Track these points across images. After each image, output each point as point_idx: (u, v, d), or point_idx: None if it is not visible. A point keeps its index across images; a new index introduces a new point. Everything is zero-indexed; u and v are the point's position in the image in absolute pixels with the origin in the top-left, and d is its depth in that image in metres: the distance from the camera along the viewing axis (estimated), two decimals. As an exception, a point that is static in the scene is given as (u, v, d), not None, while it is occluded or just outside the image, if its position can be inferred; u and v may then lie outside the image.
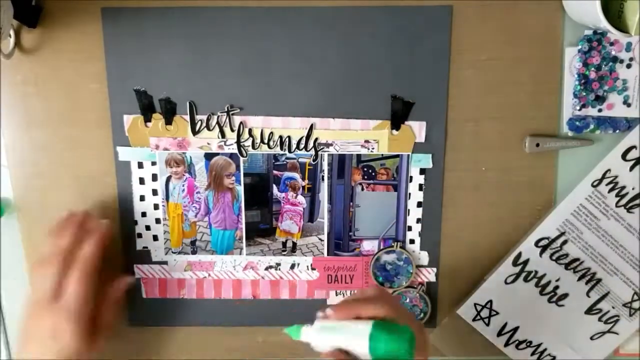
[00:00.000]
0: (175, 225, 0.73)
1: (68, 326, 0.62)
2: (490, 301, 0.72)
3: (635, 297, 0.71)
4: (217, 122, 0.69)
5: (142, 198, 0.72)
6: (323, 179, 0.71)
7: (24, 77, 0.69)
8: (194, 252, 0.74)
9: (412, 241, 0.72)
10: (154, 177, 0.71)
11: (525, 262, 0.71)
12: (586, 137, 0.69)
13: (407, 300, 0.73)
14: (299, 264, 0.73)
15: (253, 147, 0.70)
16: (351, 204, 0.71)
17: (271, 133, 0.69)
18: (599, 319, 0.72)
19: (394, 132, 0.69)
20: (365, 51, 0.67)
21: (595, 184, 0.69)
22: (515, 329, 0.73)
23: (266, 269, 0.74)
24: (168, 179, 0.71)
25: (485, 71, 0.68)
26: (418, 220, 0.71)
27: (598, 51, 0.66)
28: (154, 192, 0.72)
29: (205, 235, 0.73)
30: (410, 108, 0.68)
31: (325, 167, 0.70)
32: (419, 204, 0.71)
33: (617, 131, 0.68)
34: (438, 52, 0.67)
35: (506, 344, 0.73)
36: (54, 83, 0.69)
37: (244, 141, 0.70)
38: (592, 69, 0.66)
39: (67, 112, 0.70)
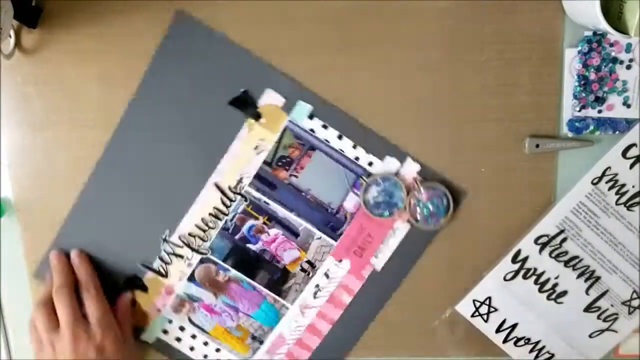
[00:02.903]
0: (230, 340, 0.76)
1: (110, 340, 0.67)
2: (489, 298, 0.73)
3: (635, 296, 0.72)
4: (168, 257, 0.74)
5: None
6: (267, 203, 0.71)
7: (24, 77, 0.69)
8: (261, 342, 0.76)
9: (371, 164, 0.71)
10: (178, 339, 0.77)
11: (525, 260, 0.71)
12: (586, 138, 0.69)
13: (424, 199, 0.70)
14: (328, 269, 0.74)
15: (204, 240, 0.73)
16: (303, 193, 0.71)
17: (203, 222, 0.73)
18: (598, 317, 0.73)
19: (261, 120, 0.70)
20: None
21: (595, 181, 0.69)
22: (514, 326, 0.73)
23: (315, 297, 0.74)
24: (190, 320, 0.76)
25: (484, 72, 0.68)
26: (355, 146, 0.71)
27: (598, 52, 0.66)
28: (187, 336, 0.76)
29: (255, 323, 0.75)
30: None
31: (257, 195, 0.71)
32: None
33: (617, 132, 0.69)
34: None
35: (505, 341, 0.74)
36: (54, 83, 0.69)
37: (195, 246, 0.73)
38: (592, 70, 0.67)
39: (67, 112, 0.70)
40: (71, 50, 0.68)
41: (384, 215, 0.71)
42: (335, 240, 0.73)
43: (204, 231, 0.72)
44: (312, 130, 0.70)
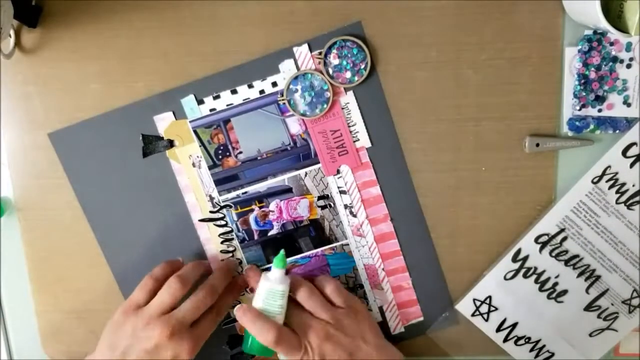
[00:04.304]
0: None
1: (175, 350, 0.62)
2: (490, 297, 0.73)
3: (635, 294, 0.72)
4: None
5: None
6: (246, 192, 0.72)
7: (24, 77, 0.69)
8: (361, 286, 0.75)
9: (275, 84, 0.70)
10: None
11: (525, 259, 0.71)
12: (586, 137, 0.69)
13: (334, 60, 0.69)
14: (338, 187, 0.72)
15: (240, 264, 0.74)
16: (258, 158, 0.71)
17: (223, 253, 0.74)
18: (598, 316, 0.73)
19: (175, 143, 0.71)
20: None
21: (595, 180, 0.69)
22: (515, 325, 0.73)
23: (355, 215, 0.73)
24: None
25: (485, 71, 0.68)
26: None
27: (598, 51, 0.66)
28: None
29: (341, 279, 0.74)
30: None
31: (232, 194, 0.72)
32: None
33: (617, 131, 0.69)
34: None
35: (505, 340, 0.74)
36: (54, 82, 0.69)
37: None
38: (592, 69, 0.67)
39: (67, 112, 0.70)
40: (71, 49, 0.69)
41: (324, 107, 0.69)
42: (318, 163, 0.72)
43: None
44: (212, 110, 0.70)
